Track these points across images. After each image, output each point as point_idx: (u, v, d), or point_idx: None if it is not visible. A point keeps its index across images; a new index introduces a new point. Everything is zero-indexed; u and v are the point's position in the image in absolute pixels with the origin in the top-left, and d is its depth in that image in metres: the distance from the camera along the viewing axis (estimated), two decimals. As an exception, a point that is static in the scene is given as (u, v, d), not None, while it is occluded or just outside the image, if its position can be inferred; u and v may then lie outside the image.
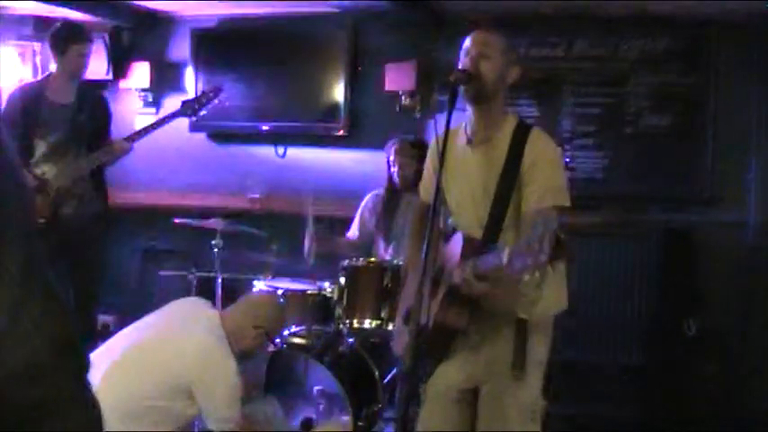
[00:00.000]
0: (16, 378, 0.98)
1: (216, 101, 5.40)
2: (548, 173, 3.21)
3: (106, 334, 6.63)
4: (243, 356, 3.80)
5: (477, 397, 3.38)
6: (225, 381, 3.58)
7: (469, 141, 3.31)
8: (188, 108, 5.35)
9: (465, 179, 3.32)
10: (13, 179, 1.03)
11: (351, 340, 4.67)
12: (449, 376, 3.38)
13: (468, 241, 3.21)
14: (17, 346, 0.98)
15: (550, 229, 2.59)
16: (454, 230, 3.48)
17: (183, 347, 3.62)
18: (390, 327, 4.31)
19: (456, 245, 3.27)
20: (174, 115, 5.33)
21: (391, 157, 5.13)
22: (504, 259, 2.74)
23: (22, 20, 6.71)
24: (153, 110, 6.76)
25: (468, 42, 3.27)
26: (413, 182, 4.64)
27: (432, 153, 3.57)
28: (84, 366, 1.09)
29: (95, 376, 3.52)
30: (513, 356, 3.25)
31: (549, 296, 3.33)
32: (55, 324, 1.04)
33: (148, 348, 3.66)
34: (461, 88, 3.18)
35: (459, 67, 3.24)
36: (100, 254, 5.36)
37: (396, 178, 5.11)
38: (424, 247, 2.92)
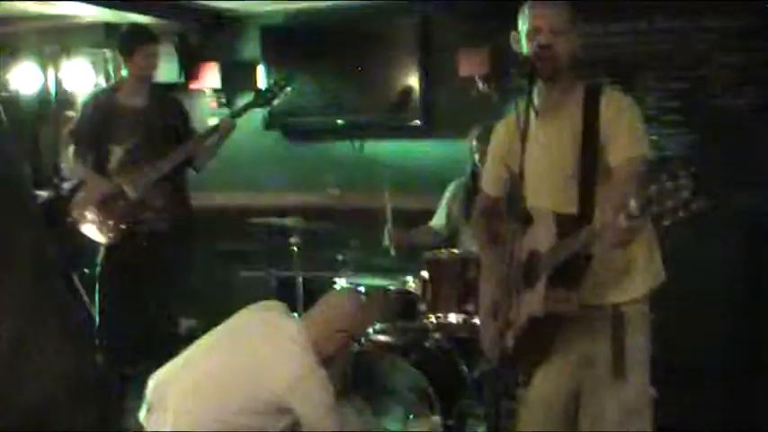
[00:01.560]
0: (37, 413, 0.88)
1: (288, 89, 5.28)
2: (628, 125, 3.06)
3: (192, 337, 6.67)
4: (329, 361, 3.67)
5: (578, 400, 3.22)
6: (319, 392, 3.45)
7: (540, 115, 3.14)
8: (260, 99, 5.26)
9: (542, 156, 3.12)
10: (22, 209, 0.92)
11: (437, 336, 4.53)
12: (550, 379, 3.22)
13: (561, 219, 3.01)
14: (30, 380, 0.88)
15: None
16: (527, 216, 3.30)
17: (271, 364, 3.49)
18: (476, 321, 4.16)
19: (540, 230, 3.10)
20: (250, 105, 5.23)
21: (473, 144, 5.00)
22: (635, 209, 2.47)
23: (92, 28, 6.74)
24: (226, 110, 6.71)
25: (534, 17, 3.10)
26: None
27: (497, 142, 3.43)
28: (109, 411, 0.99)
29: (172, 393, 3.46)
30: (612, 354, 3.08)
31: (644, 273, 3.17)
32: (69, 364, 0.93)
33: (233, 368, 3.54)
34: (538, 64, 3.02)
35: (532, 45, 3.07)
36: (181, 261, 5.27)
37: (478, 166, 4.97)
38: (510, 236, 2.75)
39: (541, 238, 3.05)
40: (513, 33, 3.21)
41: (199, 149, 5.08)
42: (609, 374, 3.10)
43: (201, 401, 3.39)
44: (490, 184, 3.49)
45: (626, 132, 3.03)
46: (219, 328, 3.76)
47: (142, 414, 3.53)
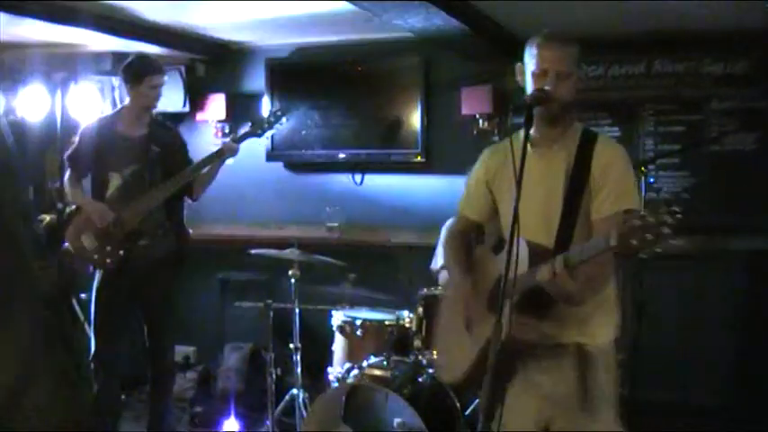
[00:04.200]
0: None
1: (284, 118, 5.33)
2: (619, 177, 3.13)
3: (187, 366, 6.69)
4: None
5: None
6: None
7: (533, 147, 3.16)
8: (257, 127, 5.30)
9: (530, 186, 3.10)
10: (17, 253, 0.96)
11: (431, 371, 4.56)
12: (515, 418, 3.23)
13: (534, 248, 3.08)
14: (24, 422, 0.91)
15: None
16: (500, 241, 3.35)
17: None
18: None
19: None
20: (248, 133, 5.28)
21: None
22: (613, 241, 2.62)
23: (100, 56, 6.80)
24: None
25: (542, 59, 3.13)
26: None
27: (484, 166, 3.48)
28: None
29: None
30: (579, 391, 3.13)
31: (609, 320, 3.25)
32: (64, 408, 0.97)
33: None
34: (536, 107, 3.08)
35: (535, 87, 3.12)
36: (174, 291, 5.29)
37: None
38: (506, 259, 2.78)
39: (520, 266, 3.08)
40: (517, 65, 3.25)
41: (196, 177, 5.13)
42: (577, 411, 3.14)
43: None
44: (470, 206, 3.53)
45: (614, 186, 3.10)
46: None
47: None
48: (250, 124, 5.41)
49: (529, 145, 3.10)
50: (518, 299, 3.01)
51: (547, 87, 3.08)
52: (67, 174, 5.15)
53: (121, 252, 4.93)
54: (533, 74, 3.14)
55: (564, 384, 3.17)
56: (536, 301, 3.04)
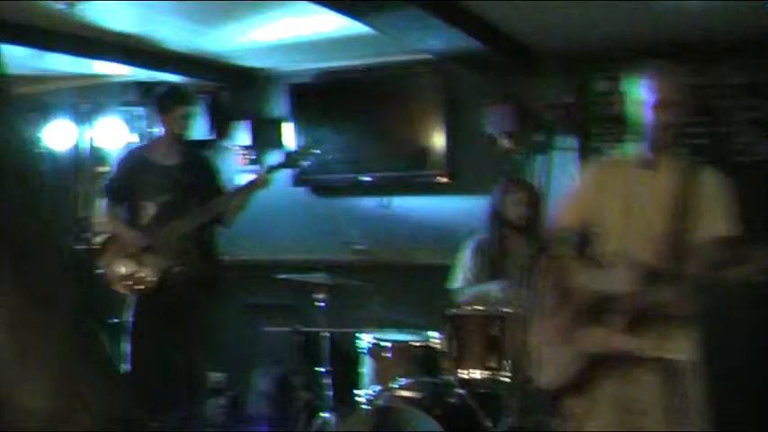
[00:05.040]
0: None
1: (318, 151, 5.42)
2: (724, 204, 3.32)
3: (217, 392, 6.71)
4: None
5: None
6: None
7: (645, 167, 3.34)
8: (291, 160, 5.41)
9: (636, 207, 3.33)
10: (58, 251, 0.98)
11: (460, 391, 4.55)
12: (600, 424, 3.28)
13: (640, 269, 3.19)
14: (64, 422, 0.93)
15: None
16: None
17: None
18: (501, 377, 4.23)
19: (618, 274, 3.24)
20: (283, 165, 5.38)
21: (500, 198, 5.05)
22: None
23: (126, 85, 6.88)
24: (256, 167, 6.81)
25: (665, 90, 3.28)
26: (523, 224, 4.77)
27: (594, 177, 3.61)
28: None
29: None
30: (667, 403, 3.16)
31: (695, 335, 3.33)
32: (103, 404, 0.98)
33: None
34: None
35: (657, 117, 3.28)
36: (209, 315, 5.33)
37: (505, 219, 5.01)
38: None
39: (619, 281, 3.17)
40: (616, 97, 3.37)
41: (229, 205, 5.18)
42: (666, 425, 3.15)
43: None
44: (570, 212, 3.60)
45: (722, 209, 3.28)
46: None
47: None
48: (285, 156, 5.49)
49: (641, 167, 3.31)
50: (630, 317, 3.14)
51: (672, 120, 3.27)
52: (104, 202, 5.22)
53: (153, 279, 4.99)
54: (654, 105, 3.27)
55: (651, 398, 3.20)
56: (648, 321, 3.18)
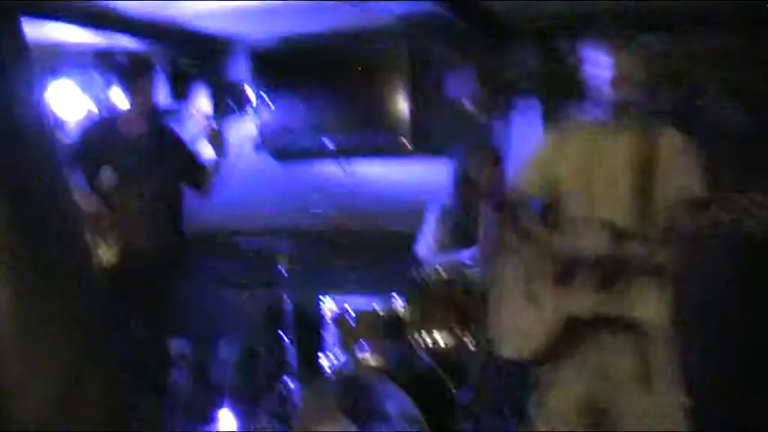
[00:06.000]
0: None
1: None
2: (692, 162, 3.35)
3: (180, 359, 6.66)
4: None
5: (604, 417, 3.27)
6: None
7: (606, 129, 3.40)
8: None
9: (599, 167, 3.37)
10: (78, 259, 0.96)
11: (424, 356, 4.55)
12: (569, 392, 3.27)
13: (607, 229, 3.23)
14: (74, 422, 0.92)
15: None
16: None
17: None
18: (467, 345, 4.25)
19: (588, 236, 3.28)
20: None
21: (464, 165, 5.03)
22: None
23: (81, 52, 6.75)
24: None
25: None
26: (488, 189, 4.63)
27: (554, 142, 3.62)
28: None
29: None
30: (638, 370, 3.16)
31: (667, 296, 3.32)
32: (109, 407, 0.97)
33: None
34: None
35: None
36: (172, 285, 5.29)
37: (470, 184, 5.00)
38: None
39: (586, 243, 3.21)
40: (578, 65, 3.49)
41: (199, 174, 5.16)
42: (638, 392, 3.15)
43: None
44: (533, 176, 3.62)
45: (685, 169, 3.30)
46: None
47: None
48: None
49: (600, 128, 3.36)
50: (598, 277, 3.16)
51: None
52: (72, 174, 5.16)
53: (115, 247, 4.95)
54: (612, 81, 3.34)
55: (622, 363, 3.19)
56: (614, 280, 3.19)
